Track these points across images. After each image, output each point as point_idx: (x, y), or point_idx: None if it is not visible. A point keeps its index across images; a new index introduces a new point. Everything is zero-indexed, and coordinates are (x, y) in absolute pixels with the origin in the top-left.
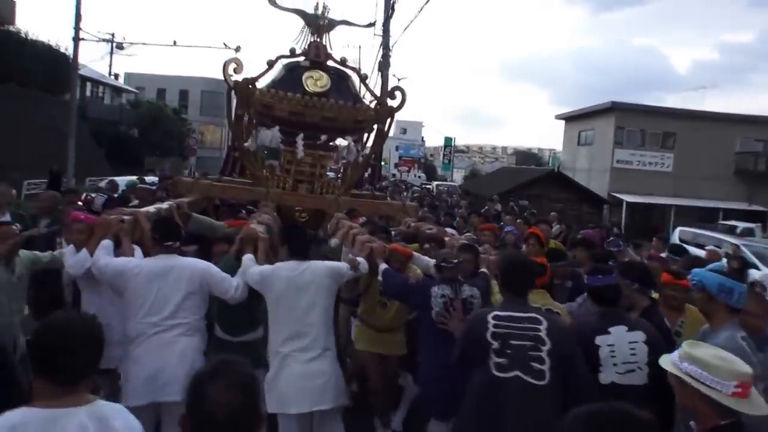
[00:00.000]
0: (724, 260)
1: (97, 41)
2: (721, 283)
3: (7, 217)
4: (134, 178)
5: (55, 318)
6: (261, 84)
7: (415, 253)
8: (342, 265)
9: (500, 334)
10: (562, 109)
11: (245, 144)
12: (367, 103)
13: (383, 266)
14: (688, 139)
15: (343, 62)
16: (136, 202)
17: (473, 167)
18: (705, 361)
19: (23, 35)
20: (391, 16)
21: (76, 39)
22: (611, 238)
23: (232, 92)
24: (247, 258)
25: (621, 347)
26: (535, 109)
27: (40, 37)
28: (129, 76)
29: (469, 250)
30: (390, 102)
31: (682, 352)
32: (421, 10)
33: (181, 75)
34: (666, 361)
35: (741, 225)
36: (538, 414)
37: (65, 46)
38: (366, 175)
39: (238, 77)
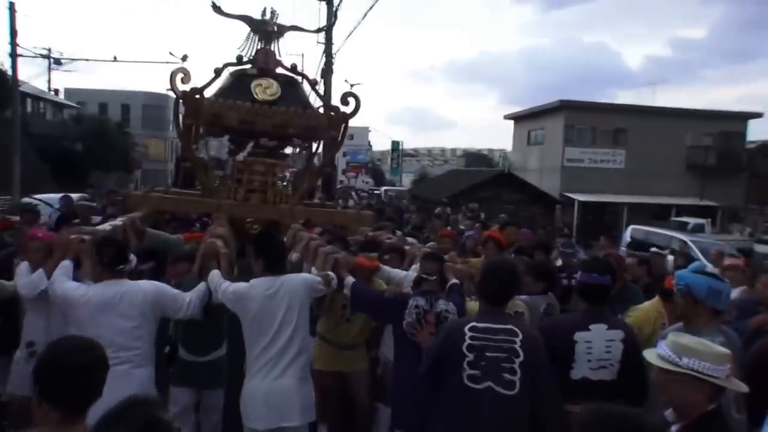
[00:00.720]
0: (670, 258)
1: (33, 56)
2: (710, 285)
3: None
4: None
5: (66, 342)
6: (209, 93)
7: (381, 266)
8: (316, 279)
9: (476, 346)
10: (512, 109)
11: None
12: (318, 109)
13: (351, 280)
14: (639, 135)
15: (293, 69)
16: (77, 221)
17: (422, 171)
18: (699, 350)
19: None
20: (333, 24)
21: (14, 55)
22: (564, 240)
23: (180, 102)
24: (215, 275)
25: (598, 344)
26: (485, 110)
27: None
28: (69, 92)
29: (434, 259)
30: (343, 108)
31: (675, 345)
32: (365, 16)
33: (123, 89)
34: (653, 357)
35: (692, 221)
36: (509, 423)
37: (1, 62)
38: (319, 183)
39: (186, 87)
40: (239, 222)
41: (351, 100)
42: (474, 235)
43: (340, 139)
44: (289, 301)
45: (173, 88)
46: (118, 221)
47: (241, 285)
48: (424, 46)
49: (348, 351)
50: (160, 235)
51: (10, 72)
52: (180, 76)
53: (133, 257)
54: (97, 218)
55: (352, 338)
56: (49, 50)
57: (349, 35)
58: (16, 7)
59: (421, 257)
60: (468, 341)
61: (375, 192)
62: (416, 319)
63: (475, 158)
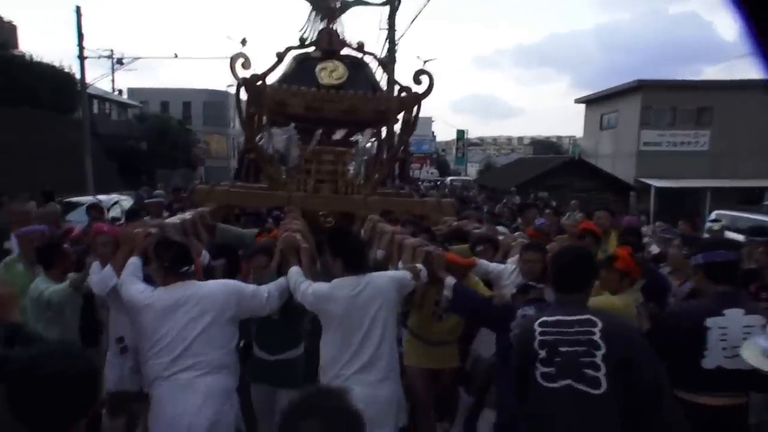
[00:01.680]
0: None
1: (98, 58)
2: None
3: None
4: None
5: (23, 355)
6: (271, 80)
7: (478, 261)
8: (405, 275)
9: (548, 341)
10: (585, 93)
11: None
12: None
13: (452, 280)
14: (726, 114)
15: (360, 48)
16: (148, 218)
17: (488, 160)
18: None
19: (28, 58)
20: (396, 9)
21: (81, 57)
22: (663, 225)
23: (241, 90)
24: (295, 272)
25: (734, 331)
26: (555, 96)
27: (44, 58)
28: (132, 91)
29: (536, 249)
30: (415, 88)
31: None
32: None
33: (183, 87)
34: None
35: None
36: (595, 426)
37: (68, 65)
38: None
39: (247, 73)
40: (311, 216)
41: (424, 78)
42: (545, 223)
43: (413, 121)
44: (377, 302)
45: (233, 74)
46: (187, 215)
47: (323, 286)
48: (490, 30)
49: (439, 348)
50: (231, 230)
51: (77, 74)
52: (240, 61)
53: (205, 253)
54: (166, 215)
55: (443, 336)
56: (112, 51)
57: (414, 18)
58: (82, 11)
59: (522, 248)
60: (539, 337)
61: (439, 182)
62: None
63: (544, 146)
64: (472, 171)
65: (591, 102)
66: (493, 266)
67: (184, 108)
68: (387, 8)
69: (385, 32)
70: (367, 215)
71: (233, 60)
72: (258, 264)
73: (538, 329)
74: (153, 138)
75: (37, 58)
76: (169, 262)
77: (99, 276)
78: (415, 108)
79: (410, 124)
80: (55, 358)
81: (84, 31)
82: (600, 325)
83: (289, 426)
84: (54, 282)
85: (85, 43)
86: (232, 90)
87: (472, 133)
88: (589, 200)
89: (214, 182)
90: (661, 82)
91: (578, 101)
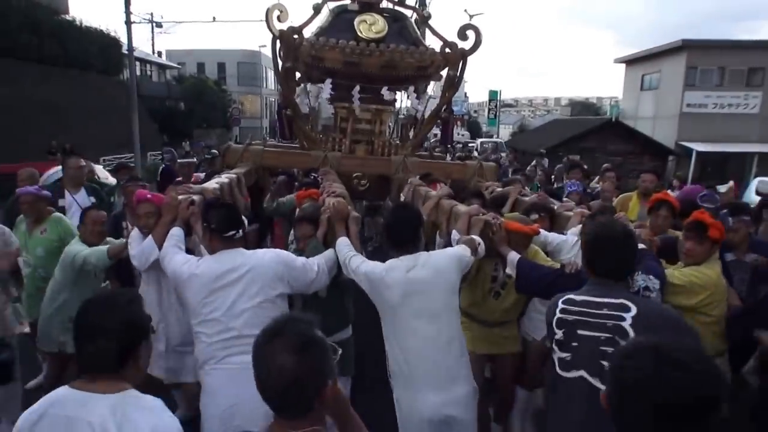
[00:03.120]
0: None
1: (140, 22)
2: None
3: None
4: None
5: (89, 300)
6: (308, 33)
7: (541, 231)
8: (465, 251)
9: (567, 321)
10: (629, 51)
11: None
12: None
13: (515, 256)
14: None
15: (401, 1)
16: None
17: (522, 122)
18: None
19: (78, 23)
20: None
21: (128, 23)
22: (706, 193)
23: (277, 43)
24: (343, 243)
25: None
26: (596, 55)
27: (91, 23)
28: (169, 53)
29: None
30: (461, 44)
31: None
32: None
33: (218, 48)
34: None
35: None
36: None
37: (113, 29)
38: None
39: (283, 26)
40: (346, 178)
41: (470, 33)
42: (577, 188)
43: (458, 79)
44: (439, 283)
45: (269, 27)
46: (224, 178)
47: (376, 268)
48: None
49: (498, 329)
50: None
51: (122, 39)
52: (276, 13)
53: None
54: (200, 176)
55: (502, 314)
56: (152, 14)
57: None
58: None
59: (589, 218)
60: (558, 314)
61: (470, 144)
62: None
63: (583, 107)
64: (506, 133)
65: (632, 62)
66: (552, 236)
67: (219, 69)
68: None
69: None
70: (405, 178)
71: (269, 12)
72: (303, 233)
73: (560, 305)
74: (190, 98)
75: (86, 23)
76: (216, 224)
77: (140, 248)
78: (460, 65)
79: (454, 82)
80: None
81: None
82: (634, 310)
83: (256, 352)
84: (88, 245)
85: (123, 7)
86: (265, 50)
87: (507, 94)
88: (623, 164)
89: (248, 141)
90: (707, 41)
91: (618, 61)
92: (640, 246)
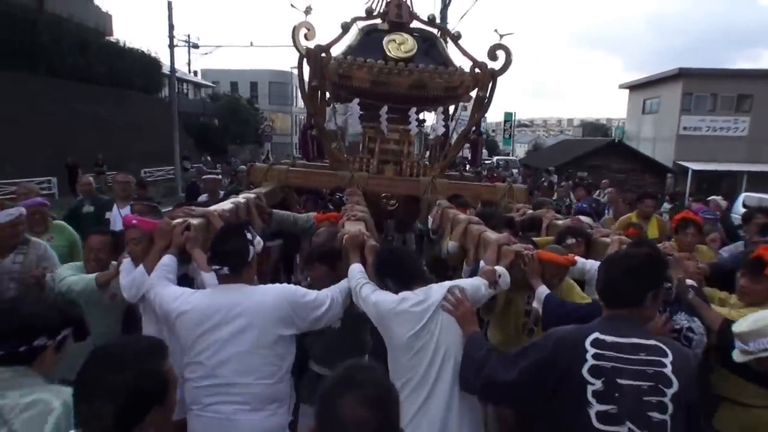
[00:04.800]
0: None
1: (182, 46)
2: None
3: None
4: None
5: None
6: (336, 51)
7: (578, 259)
8: (478, 283)
9: (604, 369)
10: (638, 76)
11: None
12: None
13: (544, 290)
14: (766, 101)
15: (431, 21)
16: (204, 196)
17: (536, 141)
18: None
19: (121, 44)
20: (448, 4)
21: (171, 47)
22: (700, 206)
23: (304, 61)
24: (356, 269)
25: None
26: (606, 78)
27: (133, 44)
28: (204, 72)
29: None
30: (491, 64)
31: None
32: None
33: (251, 69)
34: None
35: None
36: None
37: (154, 50)
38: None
39: (310, 44)
40: (374, 198)
41: (500, 53)
42: (585, 207)
43: (488, 99)
44: (447, 317)
45: (295, 45)
46: (241, 198)
47: (387, 299)
48: (544, 12)
49: None
50: (287, 217)
51: (162, 60)
52: (303, 31)
53: (258, 240)
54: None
55: None
56: (189, 36)
57: (462, 16)
58: (172, 5)
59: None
60: (591, 361)
61: (486, 161)
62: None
63: (593, 128)
64: (521, 151)
65: (634, 88)
66: (591, 264)
67: (251, 87)
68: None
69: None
70: (434, 199)
71: (296, 30)
72: (315, 275)
73: (591, 350)
74: (224, 115)
75: (129, 44)
76: (217, 257)
77: (129, 279)
78: (490, 85)
79: (483, 103)
80: None
81: (160, 17)
82: (671, 355)
83: (327, 405)
84: (84, 270)
85: (161, 28)
86: (296, 71)
87: (523, 114)
88: (626, 181)
89: (273, 160)
90: (701, 70)
91: (622, 86)
92: (688, 282)
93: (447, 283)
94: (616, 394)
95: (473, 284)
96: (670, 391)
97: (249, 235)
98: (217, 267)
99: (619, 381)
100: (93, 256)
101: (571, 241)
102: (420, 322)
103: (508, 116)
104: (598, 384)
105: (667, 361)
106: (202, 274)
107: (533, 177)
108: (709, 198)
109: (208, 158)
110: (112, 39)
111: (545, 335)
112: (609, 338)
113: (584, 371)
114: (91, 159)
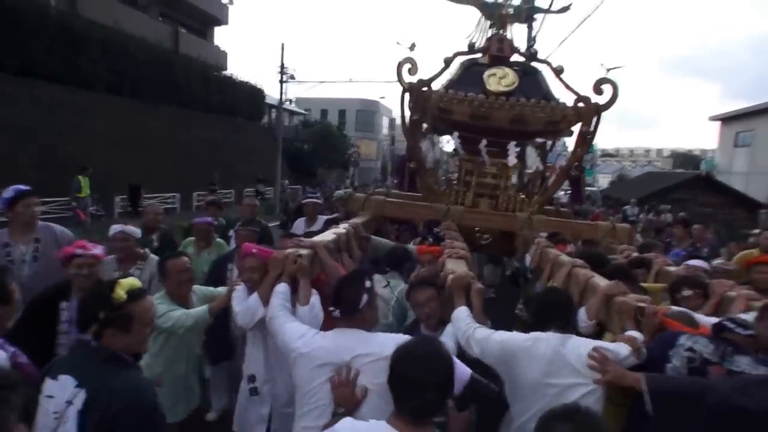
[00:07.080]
0: None
1: (289, 81)
2: None
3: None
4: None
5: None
6: (437, 85)
7: (701, 316)
8: (621, 349)
9: None
10: (736, 106)
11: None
12: (561, 101)
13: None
14: None
15: (532, 56)
16: (301, 220)
17: (621, 172)
18: None
19: (234, 78)
20: (535, 38)
21: (281, 82)
22: None
23: (406, 95)
24: (463, 314)
25: None
26: (701, 106)
27: (241, 77)
28: (297, 101)
29: None
30: (595, 98)
31: None
32: (575, 29)
33: (340, 97)
34: None
35: None
36: None
37: (258, 81)
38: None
39: (413, 78)
40: (467, 231)
41: (606, 87)
42: (682, 256)
43: (591, 135)
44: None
45: (399, 79)
46: (341, 228)
47: (516, 337)
48: (635, 38)
49: None
50: (386, 245)
51: (264, 89)
52: (407, 66)
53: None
54: (322, 218)
55: None
56: (283, 66)
57: (560, 44)
58: (284, 46)
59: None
60: None
61: (567, 191)
62: (685, 364)
63: (684, 159)
64: (605, 182)
65: (726, 120)
66: (705, 321)
67: (339, 115)
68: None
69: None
70: (530, 236)
71: (400, 65)
72: (426, 312)
73: None
74: (315, 141)
75: (239, 77)
76: (334, 299)
77: (244, 306)
78: (594, 120)
79: (586, 138)
80: None
81: (278, 59)
82: None
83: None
84: (172, 302)
85: (263, 63)
86: (383, 101)
87: (608, 144)
88: (714, 215)
89: (371, 191)
90: None
91: (712, 119)
92: None
93: (588, 341)
94: None
95: (617, 350)
96: None
97: (368, 284)
98: (331, 308)
99: None
100: (183, 277)
101: (688, 292)
102: (550, 368)
103: (591, 148)
104: None
105: None
106: (298, 307)
107: (614, 209)
108: None
109: (286, 182)
110: (227, 73)
111: None
112: None
113: None
114: (207, 178)
